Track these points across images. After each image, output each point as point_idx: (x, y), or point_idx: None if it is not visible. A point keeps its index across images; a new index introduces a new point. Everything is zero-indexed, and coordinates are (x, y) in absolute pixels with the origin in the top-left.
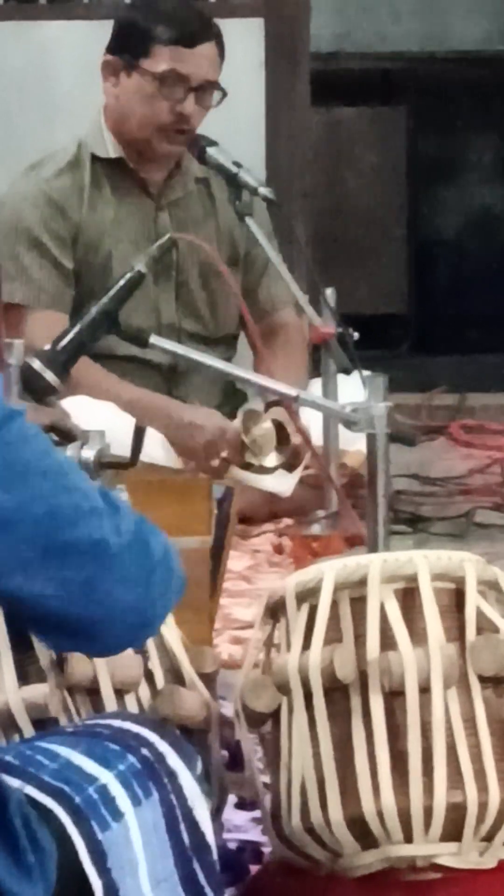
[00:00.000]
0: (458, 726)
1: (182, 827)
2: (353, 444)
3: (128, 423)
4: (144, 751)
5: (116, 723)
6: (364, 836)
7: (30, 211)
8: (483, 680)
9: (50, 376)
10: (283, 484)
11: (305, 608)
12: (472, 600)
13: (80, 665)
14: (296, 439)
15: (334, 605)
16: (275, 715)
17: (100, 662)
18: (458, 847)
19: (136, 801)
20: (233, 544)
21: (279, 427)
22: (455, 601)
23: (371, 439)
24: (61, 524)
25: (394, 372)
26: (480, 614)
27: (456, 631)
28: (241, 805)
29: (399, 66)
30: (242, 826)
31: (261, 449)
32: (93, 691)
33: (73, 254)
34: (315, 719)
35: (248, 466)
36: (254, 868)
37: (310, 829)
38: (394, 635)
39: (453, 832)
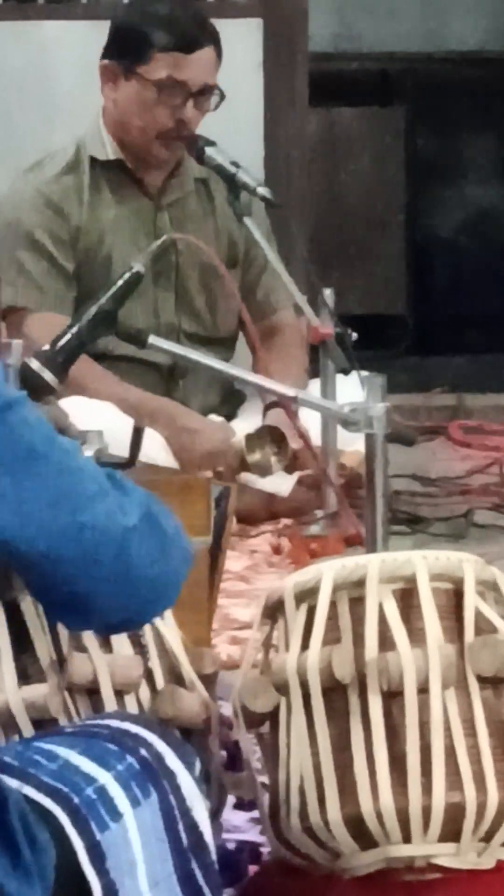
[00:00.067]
0: (457, 727)
1: (181, 827)
2: (352, 445)
3: (127, 423)
4: (143, 751)
5: (115, 723)
6: (362, 836)
7: (29, 213)
8: (482, 680)
9: (48, 376)
10: (281, 484)
11: (304, 608)
12: (471, 601)
13: (79, 665)
14: (295, 444)
15: (333, 605)
16: (273, 715)
17: (100, 663)
18: (456, 847)
19: (134, 802)
20: (231, 545)
21: (277, 433)
22: (454, 602)
23: (370, 439)
24: (67, 507)
25: (392, 372)
26: (479, 615)
27: (454, 631)
28: (240, 805)
29: (398, 67)
30: (241, 826)
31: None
32: (92, 692)
33: (73, 255)
34: (313, 720)
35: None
36: (252, 868)
37: (308, 829)
38: (392, 636)
39: (452, 832)
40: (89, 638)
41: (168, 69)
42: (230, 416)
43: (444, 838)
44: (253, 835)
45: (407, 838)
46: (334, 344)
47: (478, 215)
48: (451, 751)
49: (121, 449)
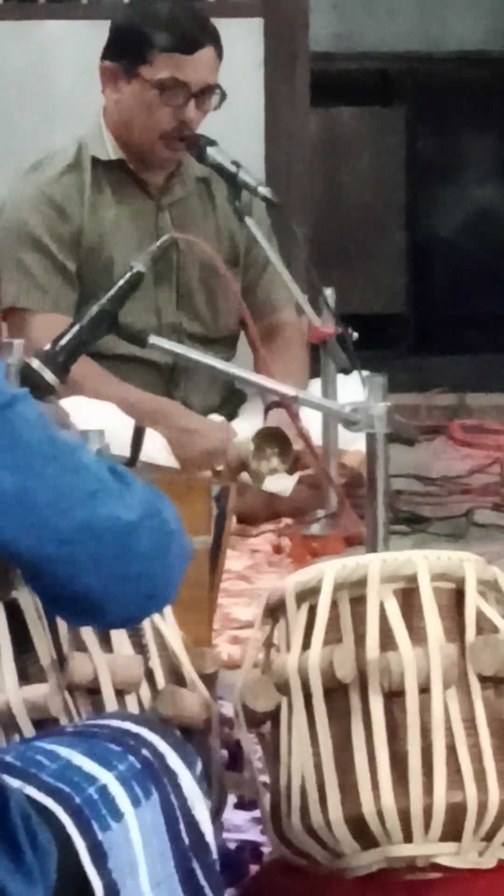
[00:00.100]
0: (458, 726)
1: (182, 827)
2: (353, 444)
3: (127, 423)
4: (144, 751)
5: (116, 723)
6: (364, 835)
7: (31, 213)
8: (483, 680)
9: (49, 376)
10: (282, 484)
11: (305, 608)
12: (472, 600)
13: (80, 665)
14: (297, 445)
15: (334, 605)
16: (274, 715)
17: (100, 662)
18: (457, 847)
19: (136, 802)
20: (232, 544)
21: (279, 434)
22: (455, 601)
23: (370, 439)
24: (69, 504)
25: (393, 372)
26: (480, 614)
27: (456, 631)
28: (241, 805)
29: (398, 67)
30: (242, 826)
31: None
32: (93, 691)
33: (74, 256)
34: (315, 719)
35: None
36: (253, 868)
37: (309, 828)
38: (393, 635)
39: (453, 832)
40: (90, 637)
41: (169, 70)
42: (231, 416)
43: (445, 838)
44: (254, 834)
45: (408, 838)
46: (335, 343)
47: (478, 215)
48: (453, 750)
49: (121, 449)
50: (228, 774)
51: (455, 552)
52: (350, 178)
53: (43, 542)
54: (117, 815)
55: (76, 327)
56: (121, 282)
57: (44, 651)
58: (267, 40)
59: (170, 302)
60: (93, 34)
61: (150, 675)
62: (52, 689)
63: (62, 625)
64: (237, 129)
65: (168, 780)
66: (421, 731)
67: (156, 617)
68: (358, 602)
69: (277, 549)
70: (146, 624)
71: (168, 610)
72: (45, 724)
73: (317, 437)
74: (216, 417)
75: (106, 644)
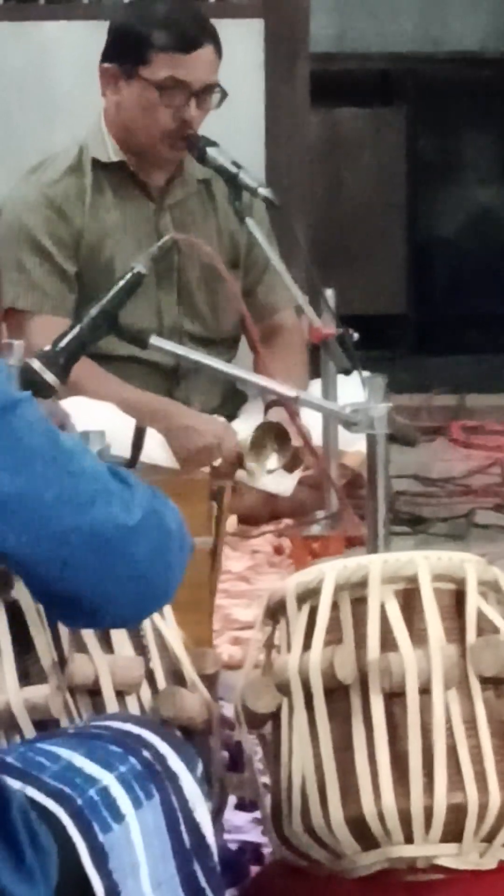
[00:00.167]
0: (459, 727)
1: (183, 829)
2: (353, 445)
3: (128, 423)
4: (145, 753)
5: (117, 724)
6: (364, 836)
7: (31, 215)
8: (484, 681)
9: (49, 377)
10: (282, 484)
11: (306, 609)
12: (473, 601)
13: (81, 666)
14: (296, 442)
15: (335, 605)
16: (275, 716)
17: (101, 663)
18: (458, 848)
19: (137, 803)
20: (233, 545)
21: (279, 429)
22: (456, 602)
23: (371, 440)
24: (70, 508)
25: (393, 372)
26: (481, 615)
27: (456, 632)
28: (242, 806)
29: (398, 67)
30: (243, 827)
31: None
32: (94, 692)
33: (75, 258)
34: (315, 720)
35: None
36: (254, 869)
37: (310, 829)
38: (394, 636)
39: (454, 833)
40: (90, 638)
41: (169, 69)
42: (231, 417)
43: (445, 839)
44: (255, 835)
45: (409, 839)
46: (335, 344)
47: (479, 215)
48: (453, 751)
49: (122, 449)
50: (229, 775)
51: (456, 553)
52: (350, 178)
53: (42, 544)
54: (118, 816)
55: (77, 328)
56: (121, 283)
57: (44, 652)
58: (267, 41)
59: (170, 303)
60: (93, 34)
61: (150, 675)
62: (52, 689)
63: (63, 625)
64: (237, 130)
65: (169, 781)
66: (422, 732)
67: (156, 617)
68: (359, 603)
69: (278, 550)
70: (147, 624)
71: (168, 610)
72: (45, 724)
73: (317, 438)
74: (217, 418)
75: (106, 645)
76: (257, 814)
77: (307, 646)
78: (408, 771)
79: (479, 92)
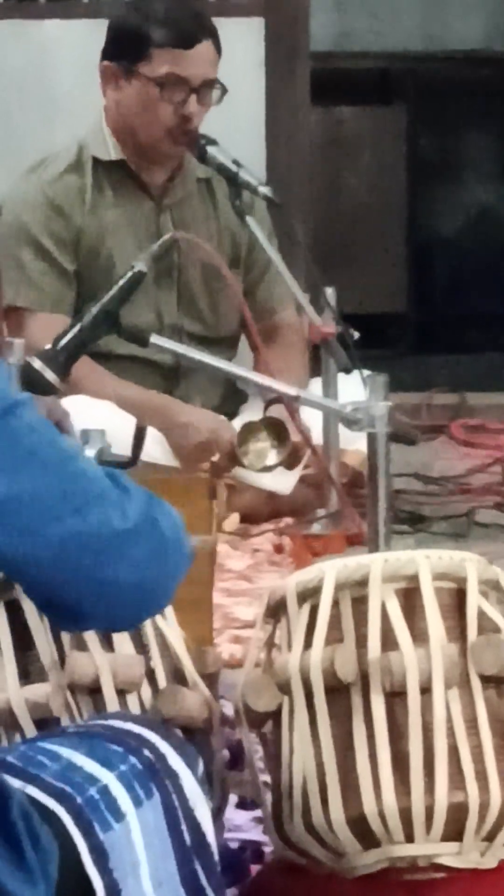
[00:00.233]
0: (460, 726)
1: (183, 828)
2: (354, 444)
3: (128, 422)
4: (146, 752)
5: (118, 723)
6: (365, 835)
7: (31, 213)
8: (484, 680)
9: (50, 375)
10: (283, 483)
11: (306, 608)
12: (474, 600)
13: (81, 665)
14: (295, 438)
15: (335, 604)
16: (276, 715)
17: (102, 662)
18: (459, 847)
19: (137, 802)
20: (233, 544)
21: (278, 425)
22: (456, 601)
23: (371, 439)
24: (65, 511)
25: (394, 371)
26: (482, 614)
27: (457, 631)
28: (243, 805)
29: (398, 66)
30: (243, 826)
31: (254, 463)
32: (95, 691)
33: (74, 256)
34: (316, 719)
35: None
36: (255, 868)
37: (311, 828)
38: (395, 635)
39: (454, 832)
40: (91, 637)
41: (168, 65)
42: (232, 416)
43: (446, 838)
44: (255, 834)
45: (410, 838)
46: (336, 343)
47: (478, 215)
48: (454, 750)
49: (122, 448)
50: (230, 774)
51: (456, 552)
52: (350, 177)
53: (37, 547)
54: (119, 815)
55: (77, 327)
56: (122, 281)
57: (45, 650)
58: (267, 40)
59: (171, 302)
60: (93, 34)
61: (151, 674)
62: (53, 688)
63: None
64: (238, 129)
65: (169, 780)
66: (422, 731)
67: (157, 616)
68: (359, 602)
69: (279, 549)
70: (147, 623)
71: (169, 609)
72: (46, 723)
73: (317, 437)
74: (213, 414)
75: (107, 643)
76: (258, 812)
77: (308, 644)
78: (409, 770)
79: (479, 92)
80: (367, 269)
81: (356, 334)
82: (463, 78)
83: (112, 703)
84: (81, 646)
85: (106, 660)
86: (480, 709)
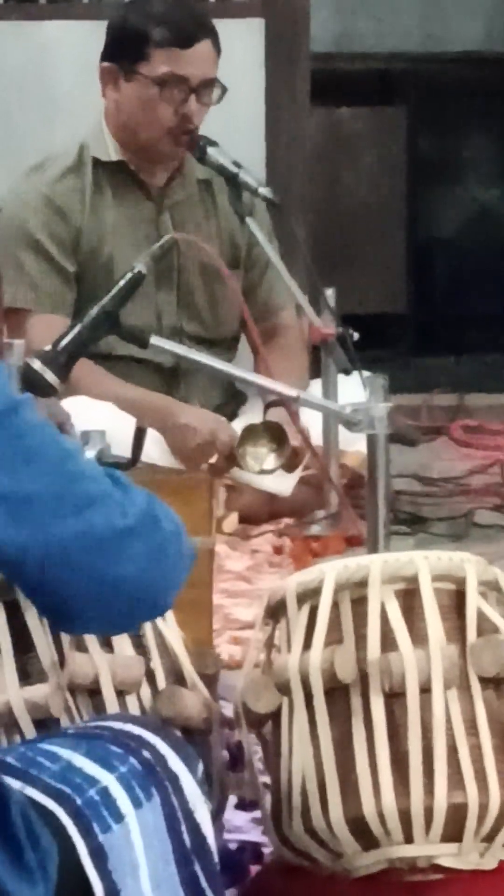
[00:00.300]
0: (459, 727)
1: (183, 829)
2: (353, 445)
3: (128, 423)
4: (146, 753)
5: (118, 724)
6: (364, 836)
7: (31, 214)
8: (484, 681)
9: (50, 376)
10: (282, 484)
11: (306, 609)
12: (473, 601)
13: (81, 665)
14: (295, 440)
15: (335, 605)
16: (275, 715)
17: (101, 663)
18: (458, 848)
19: (137, 803)
20: (233, 545)
21: (277, 429)
22: (456, 602)
23: (371, 440)
24: (65, 511)
25: (394, 372)
26: (481, 615)
27: (457, 632)
28: (242, 805)
29: (398, 66)
30: (243, 826)
31: (252, 466)
32: (94, 692)
33: (74, 257)
34: (316, 720)
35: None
36: (254, 868)
37: (310, 829)
38: (394, 636)
39: (454, 833)
40: (90, 638)
41: (168, 65)
42: (231, 417)
43: (446, 839)
44: (255, 835)
45: (409, 839)
46: (336, 344)
47: (478, 215)
48: (454, 751)
49: (122, 449)
50: (229, 775)
51: (456, 553)
52: (350, 178)
53: (37, 546)
54: (118, 816)
55: (77, 328)
56: (122, 282)
57: (44, 651)
58: (267, 40)
59: (170, 303)
60: (93, 34)
61: (150, 675)
62: (52, 688)
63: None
64: (238, 130)
65: (169, 781)
66: (422, 732)
67: None
68: (359, 603)
69: (278, 550)
70: (147, 624)
71: (168, 610)
72: (45, 724)
73: (317, 438)
74: (212, 414)
75: (107, 644)
76: (257, 813)
77: (307, 645)
78: (408, 771)
79: (479, 92)
80: (366, 269)
81: (356, 335)
82: (463, 78)
83: (111, 704)
84: (81, 647)
85: (105, 661)
86: (480, 709)
